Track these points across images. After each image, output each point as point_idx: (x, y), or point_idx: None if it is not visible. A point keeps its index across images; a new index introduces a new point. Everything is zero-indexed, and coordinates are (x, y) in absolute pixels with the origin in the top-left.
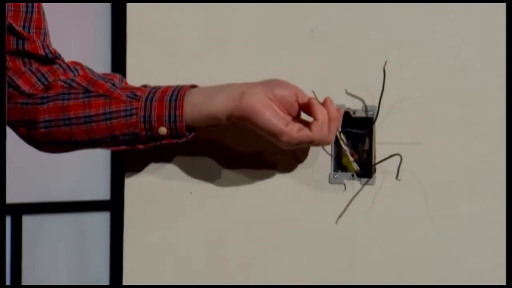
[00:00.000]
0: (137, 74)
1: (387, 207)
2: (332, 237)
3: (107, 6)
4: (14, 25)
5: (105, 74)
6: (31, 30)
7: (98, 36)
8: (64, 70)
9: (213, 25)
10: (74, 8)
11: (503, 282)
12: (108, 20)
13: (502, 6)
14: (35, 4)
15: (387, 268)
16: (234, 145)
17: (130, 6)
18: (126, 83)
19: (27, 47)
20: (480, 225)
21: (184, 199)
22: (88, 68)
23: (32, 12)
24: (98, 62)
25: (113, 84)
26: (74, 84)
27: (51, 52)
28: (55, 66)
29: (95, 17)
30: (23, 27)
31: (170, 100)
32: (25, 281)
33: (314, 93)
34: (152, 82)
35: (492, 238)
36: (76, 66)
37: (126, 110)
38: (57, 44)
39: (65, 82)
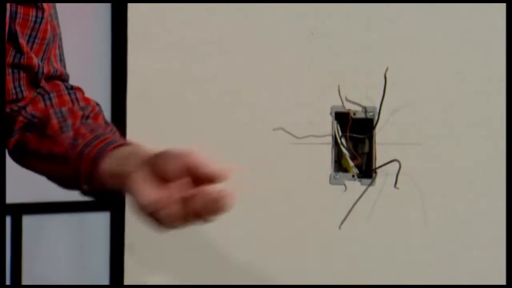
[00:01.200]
0: (138, 74)
1: (388, 208)
2: (333, 237)
3: (107, 6)
4: (19, 34)
5: (85, 100)
6: (36, 40)
7: (98, 36)
8: (40, 97)
9: (214, 26)
10: (74, 8)
11: (503, 282)
12: (108, 20)
13: (502, 6)
14: (45, 15)
15: (388, 268)
16: (235, 146)
17: (131, 7)
18: (97, 117)
19: (23, 61)
20: (480, 226)
21: None
22: (68, 94)
23: (40, 22)
24: (98, 62)
25: (66, 125)
26: (35, 120)
27: (43, 73)
28: (35, 92)
29: (95, 17)
30: (29, 36)
31: (93, 159)
32: (25, 281)
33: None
34: (153, 82)
35: (492, 238)
36: (51, 93)
37: (64, 157)
38: None
39: (26, 118)
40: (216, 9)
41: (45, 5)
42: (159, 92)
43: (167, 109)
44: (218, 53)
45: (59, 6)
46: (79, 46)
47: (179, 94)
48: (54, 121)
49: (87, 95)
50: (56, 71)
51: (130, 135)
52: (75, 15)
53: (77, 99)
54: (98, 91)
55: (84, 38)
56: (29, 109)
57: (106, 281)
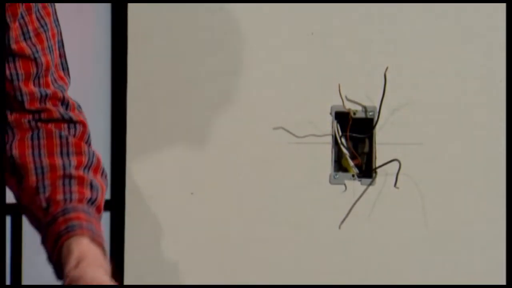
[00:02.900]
0: (138, 74)
1: (388, 208)
2: (333, 237)
3: (107, 6)
4: None
5: (76, 146)
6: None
7: (98, 36)
8: (29, 134)
9: (214, 26)
10: (74, 8)
11: (503, 282)
12: (108, 20)
13: (502, 6)
14: (11, 25)
15: (388, 268)
16: (235, 146)
17: (131, 7)
18: (82, 177)
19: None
20: (480, 226)
21: (185, 200)
22: (60, 137)
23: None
24: (98, 62)
25: (43, 185)
26: (15, 165)
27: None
28: (27, 123)
29: (95, 17)
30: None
31: (55, 240)
32: (25, 281)
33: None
34: (153, 82)
35: (492, 238)
36: (41, 132)
37: (37, 217)
38: None
39: (8, 159)
40: (216, 9)
41: (10, 22)
42: (159, 92)
43: (167, 109)
44: (218, 53)
45: (59, 6)
46: (79, 46)
47: (179, 94)
48: (33, 178)
49: (87, 95)
50: (47, 94)
51: (130, 135)
52: (75, 15)
53: (67, 144)
54: (98, 91)
55: (84, 38)
56: (14, 147)
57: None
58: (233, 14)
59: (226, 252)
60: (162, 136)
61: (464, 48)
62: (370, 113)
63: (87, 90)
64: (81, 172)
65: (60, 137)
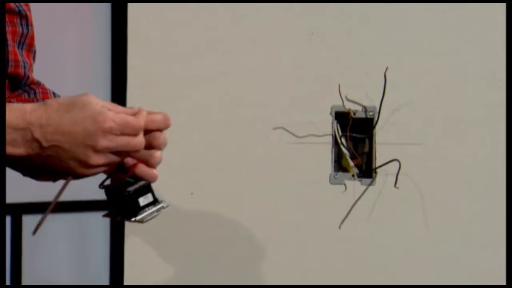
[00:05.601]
0: (138, 74)
1: (388, 208)
2: (332, 237)
3: (107, 6)
4: (9, 43)
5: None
6: (24, 47)
7: (98, 36)
8: (25, 93)
9: (214, 26)
10: (73, 8)
11: (503, 282)
12: (108, 20)
13: (502, 6)
14: (29, 21)
15: (388, 268)
16: (235, 146)
17: (131, 7)
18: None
19: (10, 70)
20: (480, 225)
21: (185, 200)
22: (53, 94)
23: (28, 29)
24: (98, 62)
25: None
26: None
27: (26, 81)
28: (19, 91)
29: (95, 17)
30: (19, 43)
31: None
32: (25, 281)
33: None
34: (153, 82)
35: (492, 238)
36: (37, 90)
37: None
38: (57, 45)
39: None
40: (216, 9)
41: (27, 11)
42: (159, 92)
43: (167, 109)
44: (218, 53)
45: (59, 6)
46: (79, 46)
47: (179, 94)
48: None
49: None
50: (39, 82)
51: None
52: (75, 15)
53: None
54: (98, 91)
55: (84, 38)
56: (12, 101)
57: (106, 281)
58: (233, 14)
59: (226, 252)
60: None
61: (464, 48)
62: (370, 113)
63: (87, 90)
64: None
65: (53, 94)
